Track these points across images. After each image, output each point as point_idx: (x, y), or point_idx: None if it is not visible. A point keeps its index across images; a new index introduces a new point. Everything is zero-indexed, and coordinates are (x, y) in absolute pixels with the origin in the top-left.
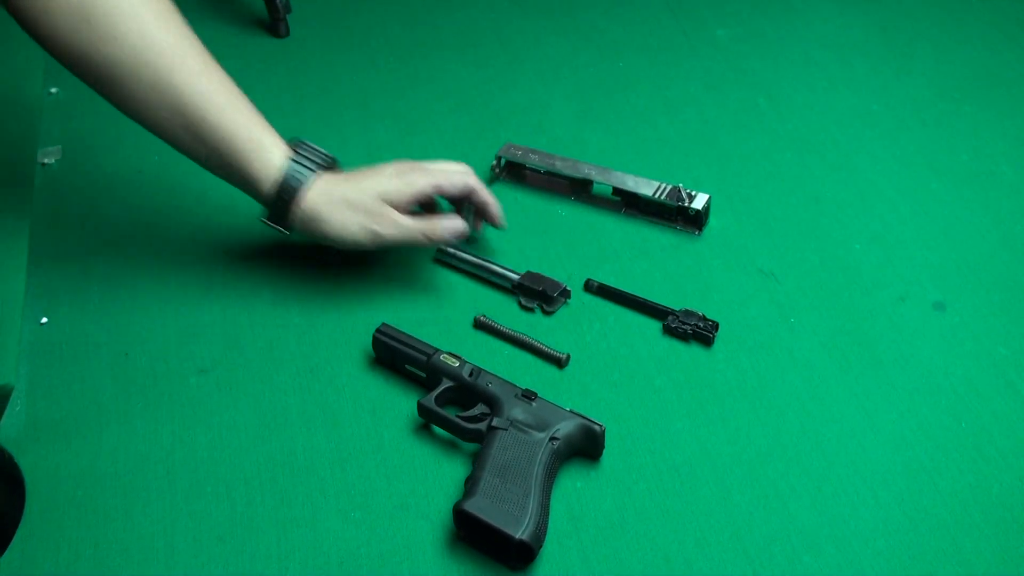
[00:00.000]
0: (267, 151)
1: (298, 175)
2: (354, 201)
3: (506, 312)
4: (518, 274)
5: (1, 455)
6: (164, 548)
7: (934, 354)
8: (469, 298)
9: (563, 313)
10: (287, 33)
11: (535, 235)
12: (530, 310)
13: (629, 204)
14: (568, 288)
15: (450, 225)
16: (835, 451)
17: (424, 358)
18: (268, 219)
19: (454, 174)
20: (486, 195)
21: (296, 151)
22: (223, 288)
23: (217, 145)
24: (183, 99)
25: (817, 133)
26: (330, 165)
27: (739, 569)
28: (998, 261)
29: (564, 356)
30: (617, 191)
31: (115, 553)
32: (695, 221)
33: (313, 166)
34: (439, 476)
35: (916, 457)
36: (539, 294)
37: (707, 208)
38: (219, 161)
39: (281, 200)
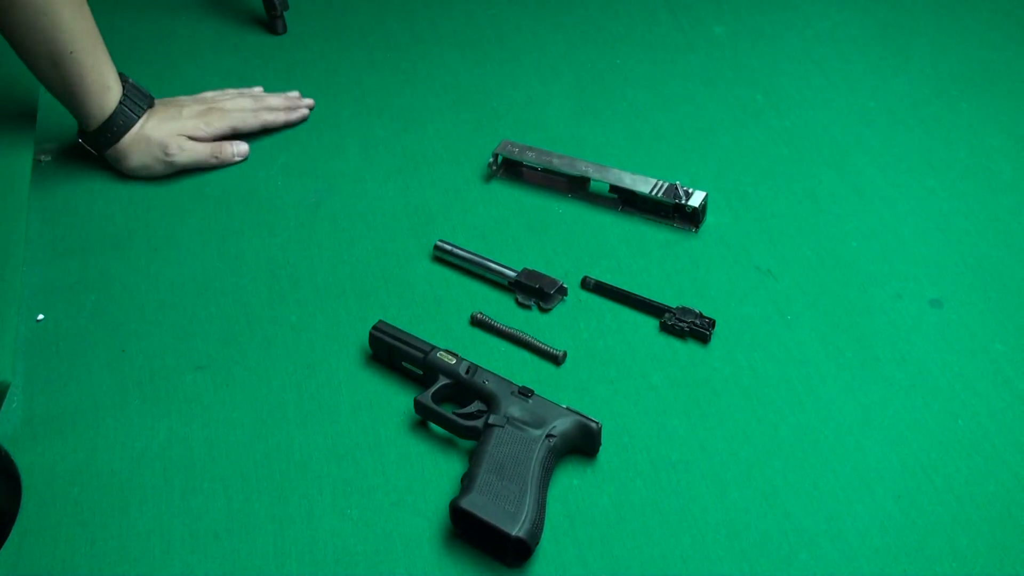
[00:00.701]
0: (107, 95)
1: (123, 124)
2: (155, 141)
3: (503, 309)
4: (515, 271)
5: None
6: (160, 545)
7: (931, 351)
8: (466, 295)
9: (560, 310)
10: (284, 30)
11: (532, 232)
12: (527, 307)
13: (626, 201)
14: (565, 285)
15: (237, 149)
16: (832, 448)
17: (421, 355)
18: (84, 141)
19: (248, 115)
20: (281, 123)
21: (124, 93)
22: (220, 285)
23: (70, 78)
24: (59, 32)
25: (815, 130)
26: (150, 104)
27: (735, 566)
28: (995, 258)
29: (561, 353)
30: (614, 188)
31: (111, 550)
32: (692, 218)
33: (138, 111)
34: (436, 473)
35: (912, 454)
36: (536, 291)
37: (704, 205)
38: (64, 89)
39: (102, 139)
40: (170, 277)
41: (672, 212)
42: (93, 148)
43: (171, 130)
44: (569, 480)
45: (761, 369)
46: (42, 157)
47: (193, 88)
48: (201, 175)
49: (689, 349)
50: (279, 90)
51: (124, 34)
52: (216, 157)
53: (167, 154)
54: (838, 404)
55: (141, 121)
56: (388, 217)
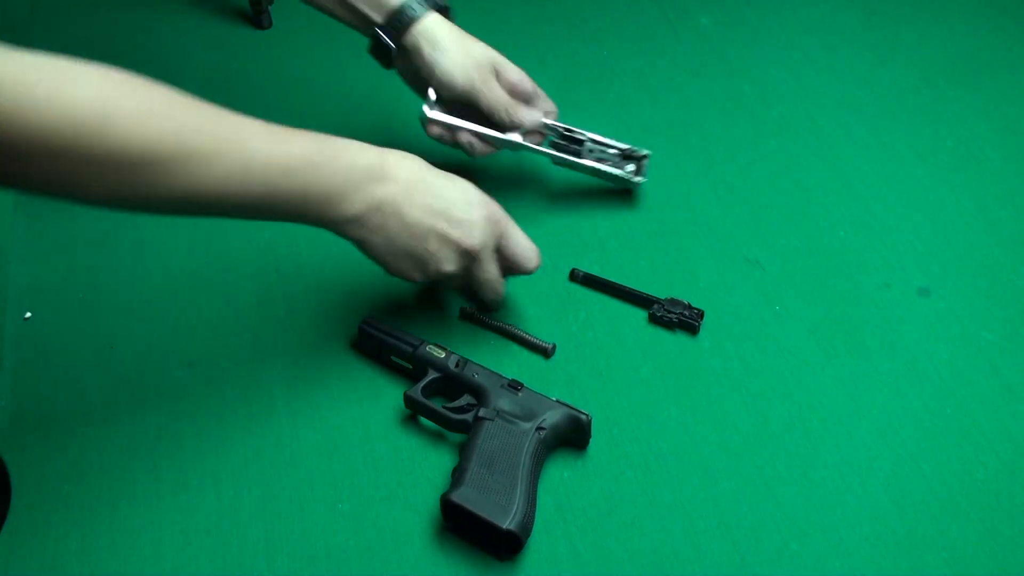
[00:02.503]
0: None
1: (412, 8)
2: (474, 48)
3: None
4: None
5: None
6: (151, 541)
7: (919, 340)
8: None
9: (549, 303)
10: (270, 25)
11: (520, 223)
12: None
13: (561, 148)
14: None
15: (533, 114)
16: (821, 437)
17: (410, 349)
18: (374, 49)
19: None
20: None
21: None
22: (208, 281)
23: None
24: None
25: (802, 120)
26: (443, 8)
27: (726, 556)
28: (982, 246)
29: (550, 346)
30: (556, 143)
31: (102, 547)
32: (637, 172)
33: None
34: (426, 467)
35: (902, 442)
36: None
37: (646, 158)
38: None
39: (394, 27)
40: (158, 274)
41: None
42: (389, 43)
43: (487, 51)
44: (559, 472)
45: (750, 359)
46: None
47: (178, 81)
48: None
49: (678, 340)
50: (263, 84)
51: (107, 27)
52: (508, 114)
53: (482, 84)
54: (827, 393)
55: (430, 14)
56: None
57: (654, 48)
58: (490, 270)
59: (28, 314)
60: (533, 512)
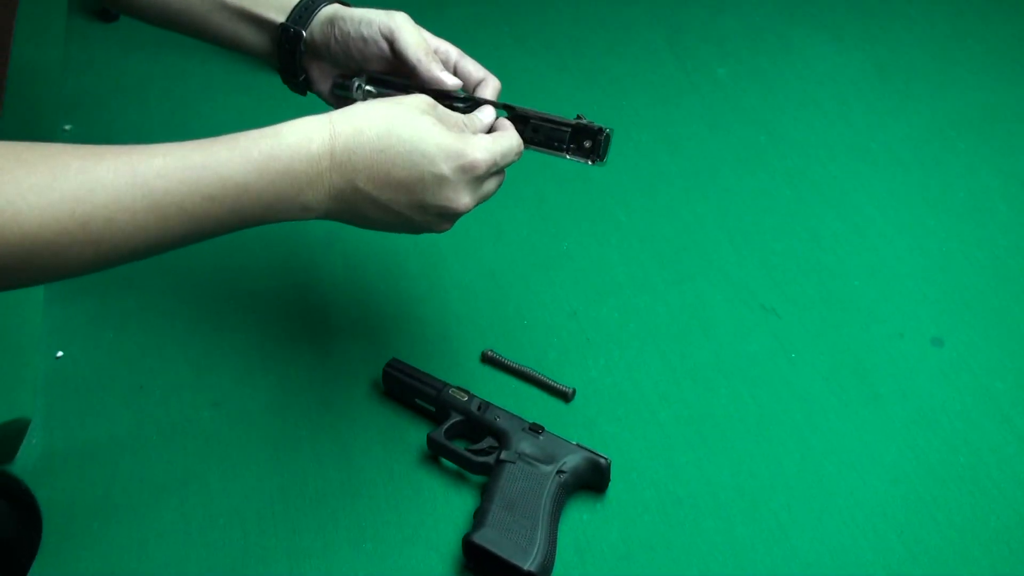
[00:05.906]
0: None
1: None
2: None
3: (513, 347)
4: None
5: (18, 487)
6: None
7: (932, 388)
8: (477, 333)
9: (569, 347)
10: None
11: (537, 270)
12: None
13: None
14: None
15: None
16: (835, 484)
17: (433, 392)
18: (282, 61)
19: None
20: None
21: None
22: (235, 322)
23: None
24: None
25: (816, 170)
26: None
27: None
28: (994, 297)
29: (570, 390)
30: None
31: None
32: (593, 149)
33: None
34: (448, 508)
35: (914, 490)
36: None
37: (608, 136)
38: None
39: (300, 18)
40: (186, 315)
41: (571, 138)
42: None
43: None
44: (579, 515)
45: (765, 405)
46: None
47: (209, 126)
48: None
49: (695, 386)
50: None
51: (138, 75)
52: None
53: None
54: (840, 440)
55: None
56: (400, 256)
57: (672, 99)
58: (489, 190)
59: (60, 353)
60: (553, 554)
